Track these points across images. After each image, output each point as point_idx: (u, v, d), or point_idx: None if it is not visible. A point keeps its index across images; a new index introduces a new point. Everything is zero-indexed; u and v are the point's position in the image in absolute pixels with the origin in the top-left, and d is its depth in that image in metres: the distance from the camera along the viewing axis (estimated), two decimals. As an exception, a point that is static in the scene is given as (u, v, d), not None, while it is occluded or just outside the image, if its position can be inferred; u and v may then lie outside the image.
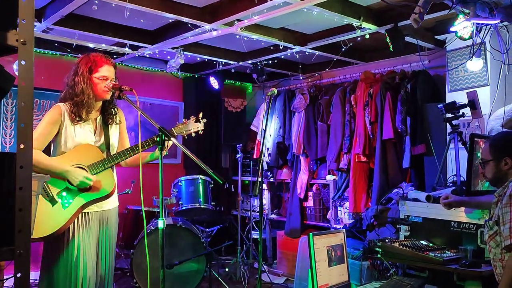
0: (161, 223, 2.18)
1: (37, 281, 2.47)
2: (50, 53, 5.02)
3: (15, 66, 4.48)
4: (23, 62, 1.19)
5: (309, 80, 5.83)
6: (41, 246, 2.43)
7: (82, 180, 2.35)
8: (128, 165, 2.70)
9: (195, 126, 2.61)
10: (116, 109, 2.65)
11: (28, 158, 1.18)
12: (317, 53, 4.88)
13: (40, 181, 1.37)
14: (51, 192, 2.35)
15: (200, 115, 2.63)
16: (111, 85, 2.47)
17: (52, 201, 2.35)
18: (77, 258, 2.38)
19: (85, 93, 2.43)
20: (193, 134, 2.61)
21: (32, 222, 1.22)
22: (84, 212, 2.45)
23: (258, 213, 5.59)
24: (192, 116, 2.62)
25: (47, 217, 2.31)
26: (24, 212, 1.17)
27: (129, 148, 2.49)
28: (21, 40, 1.18)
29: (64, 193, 2.37)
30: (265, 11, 3.62)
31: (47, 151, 2.47)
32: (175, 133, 2.56)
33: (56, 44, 4.63)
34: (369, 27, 3.95)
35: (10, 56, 1.32)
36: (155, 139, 2.32)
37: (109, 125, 2.60)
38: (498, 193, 2.25)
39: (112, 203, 2.61)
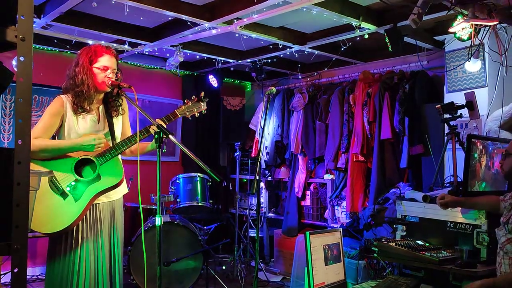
0: (158, 220, 2.18)
1: (34, 276, 2.48)
2: (49, 49, 5.02)
3: (14, 62, 4.47)
4: (22, 58, 1.19)
5: (308, 79, 5.84)
6: (39, 242, 2.43)
7: (94, 143, 2.35)
8: (134, 153, 2.66)
9: (198, 106, 2.57)
10: (121, 100, 2.64)
11: (26, 153, 1.19)
12: (316, 53, 4.89)
13: (39, 177, 1.38)
14: (61, 186, 2.34)
15: (202, 94, 2.59)
16: (109, 82, 2.47)
17: (63, 195, 2.34)
18: (86, 253, 2.38)
19: (85, 83, 2.42)
20: (197, 115, 2.57)
21: (29, 217, 1.22)
22: (94, 204, 2.44)
23: (255, 212, 5.61)
24: (194, 97, 2.58)
25: (59, 212, 2.31)
26: (21, 207, 1.17)
27: (134, 134, 2.47)
28: (20, 36, 1.18)
29: (74, 185, 2.36)
30: (264, 9, 3.63)
31: None
32: (179, 115, 2.53)
33: (55, 41, 4.62)
34: (368, 27, 3.96)
35: (9, 52, 1.32)
36: (155, 136, 2.30)
37: (113, 117, 2.60)
38: None
39: (120, 192, 2.61)
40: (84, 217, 2.41)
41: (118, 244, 2.55)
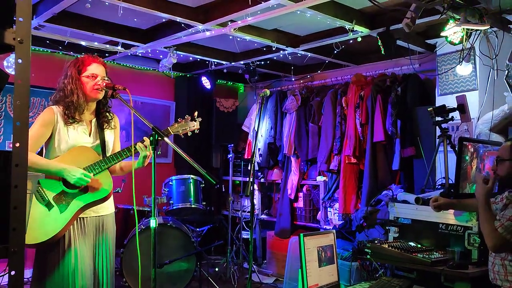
0: (153, 223, 2.17)
1: (24, 279, 2.44)
2: (41, 50, 4.99)
3: (5, 63, 4.44)
4: (19, 61, 1.19)
5: (301, 81, 5.86)
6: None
7: (80, 177, 2.29)
8: (124, 170, 2.66)
9: (191, 125, 2.59)
10: (111, 114, 2.64)
11: (24, 156, 1.19)
12: (309, 55, 4.92)
13: (34, 180, 1.37)
14: (47, 197, 2.31)
15: (195, 113, 2.62)
16: (104, 84, 2.45)
17: (48, 206, 2.30)
18: (74, 268, 2.35)
19: (75, 93, 2.41)
20: (189, 133, 2.59)
21: (26, 220, 1.22)
22: (80, 218, 2.41)
23: (248, 213, 5.62)
24: (187, 116, 2.61)
25: (44, 223, 2.27)
26: (18, 210, 1.17)
27: (125, 148, 2.45)
28: (18, 39, 1.18)
29: (61, 197, 2.33)
30: (258, 12, 3.64)
31: (39, 155, 2.43)
32: (171, 132, 2.53)
33: (47, 42, 4.60)
34: (361, 30, 3.99)
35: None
36: (149, 138, 2.30)
37: (104, 130, 2.57)
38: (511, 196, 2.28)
39: (109, 208, 2.57)
40: (72, 231, 2.38)
41: (105, 258, 2.51)
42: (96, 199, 2.39)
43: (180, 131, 2.56)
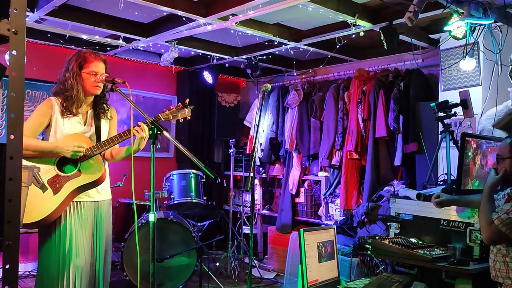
0: (152, 217, 2.17)
1: (26, 272, 2.49)
2: (42, 43, 4.97)
3: (6, 56, 4.43)
4: (14, 52, 1.17)
5: (303, 76, 5.84)
6: (31, 238, 2.44)
7: (74, 150, 2.39)
8: (114, 157, 2.70)
9: (182, 112, 2.62)
10: (108, 105, 2.71)
11: (19, 148, 1.17)
12: (311, 50, 4.88)
13: (30, 172, 1.36)
14: (41, 180, 2.39)
15: (187, 101, 2.65)
16: (103, 78, 2.51)
17: (43, 188, 2.39)
18: (69, 246, 2.42)
19: (75, 88, 2.49)
20: (181, 120, 2.63)
21: (21, 213, 1.21)
22: (76, 202, 2.49)
23: (249, 208, 5.62)
24: (179, 103, 2.65)
25: (38, 203, 2.36)
26: (13, 203, 1.16)
27: (117, 134, 2.52)
28: (13, 30, 1.17)
29: (54, 180, 2.40)
30: (260, 6, 3.61)
31: None
32: (162, 118, 2.57)
33: (49, 35, 4.58)
34: (364, 25, 3.96)
35: (2, 46, 1.30)
36: (149, 132, 2.33)
37: (100, 119, 2.65)
38: None
39: (105, 195, 2.63)
40: (69, 214, 2.46)
41: (100, 245, 2.57)
42: (88, 181, 2.46)
43: (171, 117, 2.59)
